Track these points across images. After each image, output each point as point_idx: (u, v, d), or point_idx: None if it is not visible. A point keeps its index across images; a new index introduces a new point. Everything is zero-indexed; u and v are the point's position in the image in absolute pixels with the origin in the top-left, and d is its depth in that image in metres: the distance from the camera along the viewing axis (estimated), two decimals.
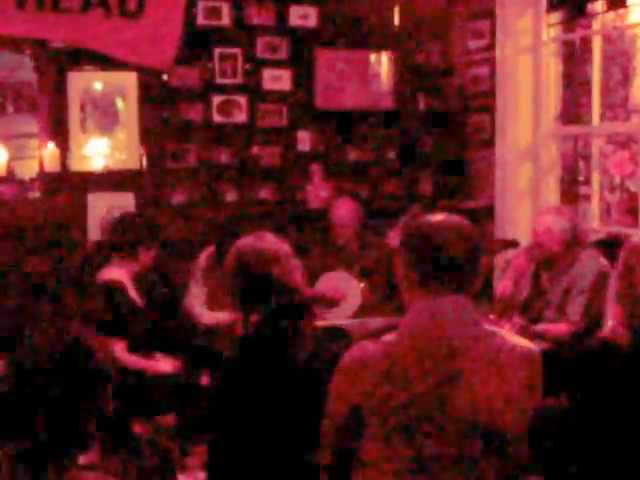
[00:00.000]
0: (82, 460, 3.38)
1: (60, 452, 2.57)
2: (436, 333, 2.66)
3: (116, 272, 5.15)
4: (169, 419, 4.14)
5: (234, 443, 3.32)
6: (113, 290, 5.05)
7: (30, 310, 5.92)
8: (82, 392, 4.02)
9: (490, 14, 6.69)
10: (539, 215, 5.52)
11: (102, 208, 6.21)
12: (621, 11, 6.41)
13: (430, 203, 6.94)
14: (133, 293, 5.19)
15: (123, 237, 5.29)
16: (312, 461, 2.92)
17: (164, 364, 5.07)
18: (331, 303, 6.00)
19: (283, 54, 6.90)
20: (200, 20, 6.64)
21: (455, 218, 2.84)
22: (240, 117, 6.82)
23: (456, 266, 2.73)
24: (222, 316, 5.74)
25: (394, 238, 6.30)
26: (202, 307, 5.92)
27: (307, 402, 3.18)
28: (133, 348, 4.98)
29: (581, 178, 7.28)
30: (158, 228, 5.47)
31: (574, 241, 5.30)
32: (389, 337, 2.76)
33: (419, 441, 2.63)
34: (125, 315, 5.01)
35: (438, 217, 2.84)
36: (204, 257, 5.98)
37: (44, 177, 6.28)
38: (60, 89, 6.33)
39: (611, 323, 4.72)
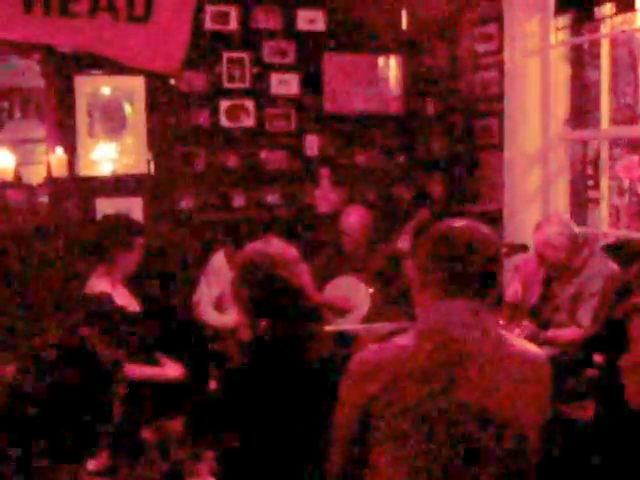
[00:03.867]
0: (90, 466, 3.37)
1: (68, 457, 2.56)
2: (449, 337, 2.66)
3: (99, 282, 5.01)
4: (178, 424, 4.12)
5: (244, 449, 3.31)
6: (96, 303, 4.94)
7: (37, 314, 5.92)
8: (90, 396, 4.00)
9: (498, 18, 6.67)
10: (535, 232, 5.48)
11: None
12: (629, 14, 6.37)
13: (439, 207, 6.93)
14: (125, 298, 5.09)
15: (94, 243, 5.17)
16: (324, 464, 2.90)
17: (170, 370, 5.01)
18: (340, 312, 5.97)
19: (291, 58, 6.92)
20: (208, 25, 6.66)
21: (476, 224, 2.83)
22: (248, 121, 6.83)
23: (475, 272, 2.72)
24: (228, 319, 5.74)
25: (404, 241, 6.29)
26: (209, 307, 5.93)
27: (318, 406, 3.17)
28: (132, 356, 4.91)
29: (590, 182, 7.25)
30: (136, 227, 5.32)
31: (578, 246, 5.28)
32: (399, 340, 2.76)
33: (429, 443, 2.62)
34: (115, 326, 4.92)
35: (459, 223, 2.83)
36: (219, 257, 5.98)
37: (52, 182, 6.29)
38: (68, 94, 6.35)
39: None
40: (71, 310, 5.23)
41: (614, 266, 5.25)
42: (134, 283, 5.25)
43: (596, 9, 6.23)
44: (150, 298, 5.66)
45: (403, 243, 6.37)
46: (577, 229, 5.43)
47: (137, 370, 4.86)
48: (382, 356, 2.72)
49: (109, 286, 4.98)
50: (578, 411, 4.42)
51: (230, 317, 5.72)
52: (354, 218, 6.25)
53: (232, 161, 6.81)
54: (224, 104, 6.77)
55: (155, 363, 4.98)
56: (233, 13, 6.73)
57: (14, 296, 5.94)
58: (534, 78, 6.56)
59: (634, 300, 3.37)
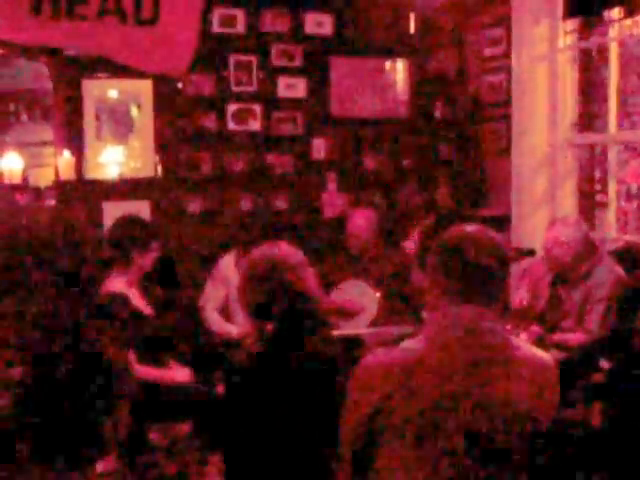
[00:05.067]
0: (99, 468, 3.38)
1: (77, 460, 2.56)
2: (460, 343, 2.66)
3: (116, 282, 5.02)
4: (186, 427, 4.12)
5: (251, 452, 3.31)
6: (112, 302, 4.95)
7: (45, 318, 5.92)
8: (99, 400, 4.00)
9: (506, 21, 6.67)
10: (547, 229, 5.48)
11: (117, 216, 6.18)
12: (638, 18, 6.36)
13: (446, 212, 6.92)
14: (139, 300, 5.11)
15: (113, 242, 5.19)
16: (329, 469, 2.91)
17: (178, 373, 5.03)
18: (348, 315, 5.97)
19: (298, 62, 6.91)
20: (215, 28, 6.66)
21: (485, 230, 2.84)
22: (255, 125, 6.83)
23: (486, 279, 2.73)
24: (232, 329, 5.75)
25: (410, 245, 6.28)
26: (214, 311, 5.93)
27: (324, 410, 3.17)
28: (142, 358, 4.92)
29: (598, 186, 7.23)
30: (153, 229, 5.34)
31: (587, 250, 5.26)
32: (408, 344, 2.76)
33: (438, 448, 2.62)
34: (129, 326, 4.93)
35: (469, 228, 2.84)
36: (227, 261, 5.97)
37: (59, 185, 6.30)
38: (75, 97, 6.35)
39: None
40: (81, 312, 5.24)
41: (621, 271, 5.24)
42: (144, 286, 5.25)
43: (605, 13, 6.23)
44: (158, 301, 5.66)
45: (409, 246, 6.35)
46: (591, 237, 5.41)
47: (145, 371, 4.87)
48: (390, 360, 2.72)
49: (125, 287, 5.01)
50: (584, 415, 4.41)
51: (233, 327, 5.75)
52: (361, 220, 6.25)
53: (239, 165, 6.80)
54: (231, 107, 6.77)
55: (163, 365, 5.00)
56: (240, 16, 6.73)
57: (22, 299, 5.94)
58: (542, 82, 6.56)
59: None
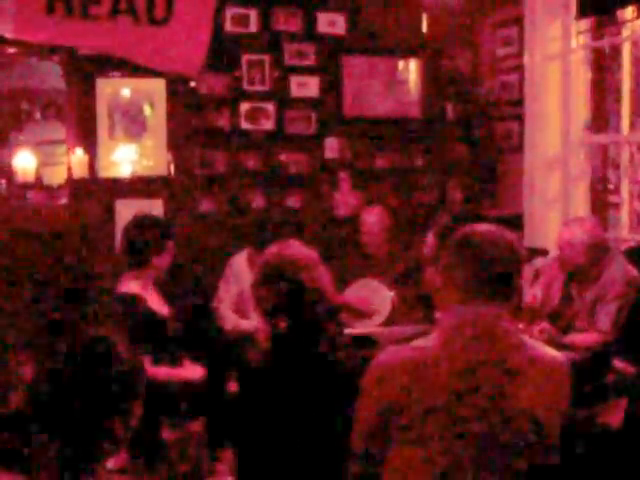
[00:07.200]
0: (110, 464, 3.38)
1: (88, 456, 2.56)
2: (472, 341, 2.66)
3: (132, 283, 4.96)
4: (197, 425, 4.12)
5: (262, 449, 3.31)
6: (127, 304, 4.90)
7: (57, 316, 5.93)
8: (110, 397, 3.99)
9: (519, 21, 6.67)
10: (561, 230, 5.48)
11: (130, 215, 6.17)
12: None
13: (459, 212, 6.91)
14: (155, 301, 5.07)
15: (129, 245, 5.14)
16: (341, 467, 2.90)
17: (191, 372, 5.01)
18: (361, 315, 5.96)
19: (311, 61, 6.91)
20: (228, 27, 6.66)
21: (499, 229, 2.84)
22: (268, 124, 6.83)
23: (500, 278, 2.73)
24: (246, 324, 5.75)
25: (428, 248, 6.27)
26: (228, 310, 5.93)
27: (336, 408, 3.17)
28: (156, 360, 4.88)
29: (611, 186, 7.22)
30: (168, 228, 5.31)
31: (600, 251, 5.25)
32: (420, 342, 2.76)
33: (450, 447, 2.62)
34: (143, 328, 4.88)
35: (483, 227, 2.84)
36: (240, 259, 5.97)
37: (72, 183, 6.31)
38: (88, 96, 6.37)
39: None
40: (92, 310, 5.23)
41: (634, 271, 5.22)
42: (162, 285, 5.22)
43: (618, 12, 6.21)
44: (176, 300, 5.66)
45: (427, 250, 6.35)
46: (605, 238, 5.40)
47: (159, 371, 4.86)
48: (402, 358, 2.72)
49: (141, 288, 4.97)
50: (599, 415, 4.41)
51: (247, 322, 5.74)
52: (373, 218, 6.27)
53: (252, 164, 6.80)
54: (244, 106, 6.77)
55: (177, 364, 4.99)
56: (253, 15, 6.73)
57: (34, 297, 5.96)
58: (555, 82, 6.55)
59: None
